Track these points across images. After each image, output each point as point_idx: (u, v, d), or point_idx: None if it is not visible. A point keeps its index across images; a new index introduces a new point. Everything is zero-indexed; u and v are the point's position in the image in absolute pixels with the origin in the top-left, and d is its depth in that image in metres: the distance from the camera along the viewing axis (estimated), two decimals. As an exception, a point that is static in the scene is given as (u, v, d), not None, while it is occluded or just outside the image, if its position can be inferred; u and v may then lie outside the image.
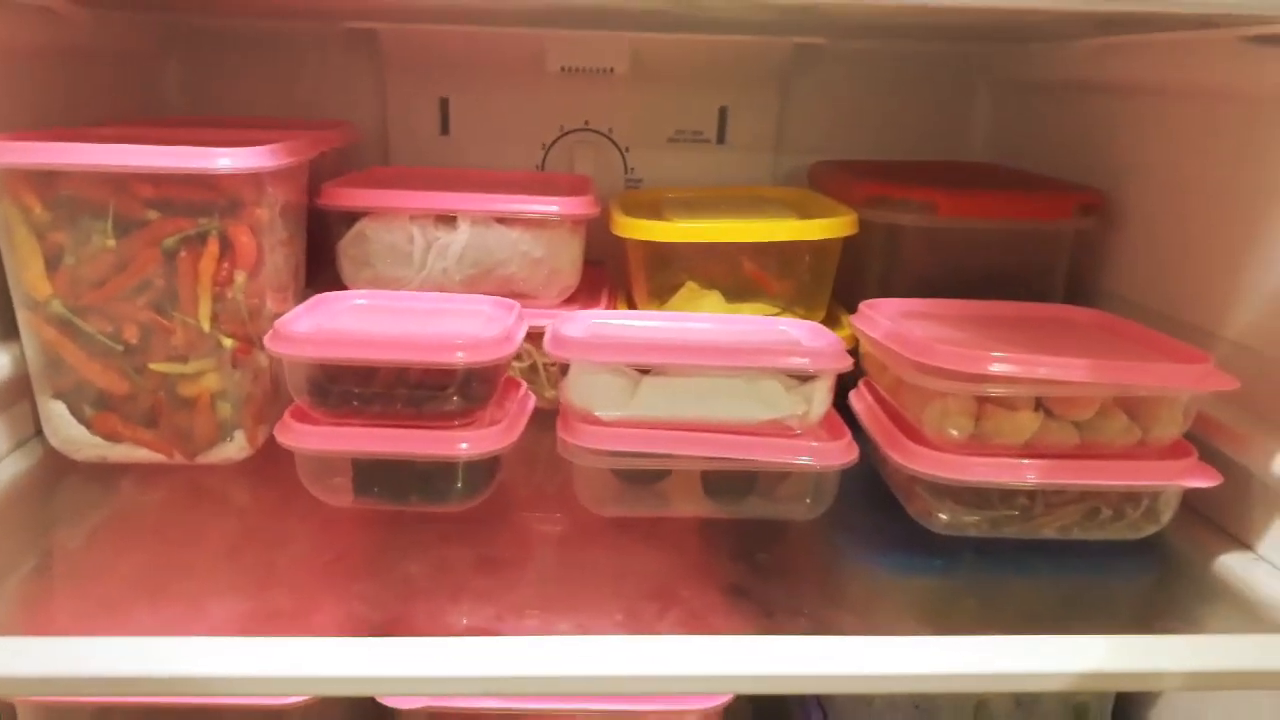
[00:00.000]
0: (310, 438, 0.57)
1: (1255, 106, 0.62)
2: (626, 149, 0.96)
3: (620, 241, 0.75)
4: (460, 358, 0.56)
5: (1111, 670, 0.45)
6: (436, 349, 0.57)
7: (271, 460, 0.68)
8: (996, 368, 0.54)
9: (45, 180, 0.59)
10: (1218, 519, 0.62)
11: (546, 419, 0.71)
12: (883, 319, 0.63)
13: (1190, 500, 0.59)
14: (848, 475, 0.59)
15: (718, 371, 0.57)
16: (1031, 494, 0.58)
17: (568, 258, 0.76)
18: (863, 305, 0.67)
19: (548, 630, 0.49)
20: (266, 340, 0.58)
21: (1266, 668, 0.46)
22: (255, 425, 0.66)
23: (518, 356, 0.76)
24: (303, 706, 0.61)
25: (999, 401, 0.56)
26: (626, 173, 0.96)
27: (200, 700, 0.59)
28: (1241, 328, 0.62)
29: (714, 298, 0.73)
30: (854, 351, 0.69)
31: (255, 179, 0.61)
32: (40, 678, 0.44)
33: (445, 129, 0.95)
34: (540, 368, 0.78)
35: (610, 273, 0.85)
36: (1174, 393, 0.55)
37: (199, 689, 0.45)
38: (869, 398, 0.66)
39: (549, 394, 0.78)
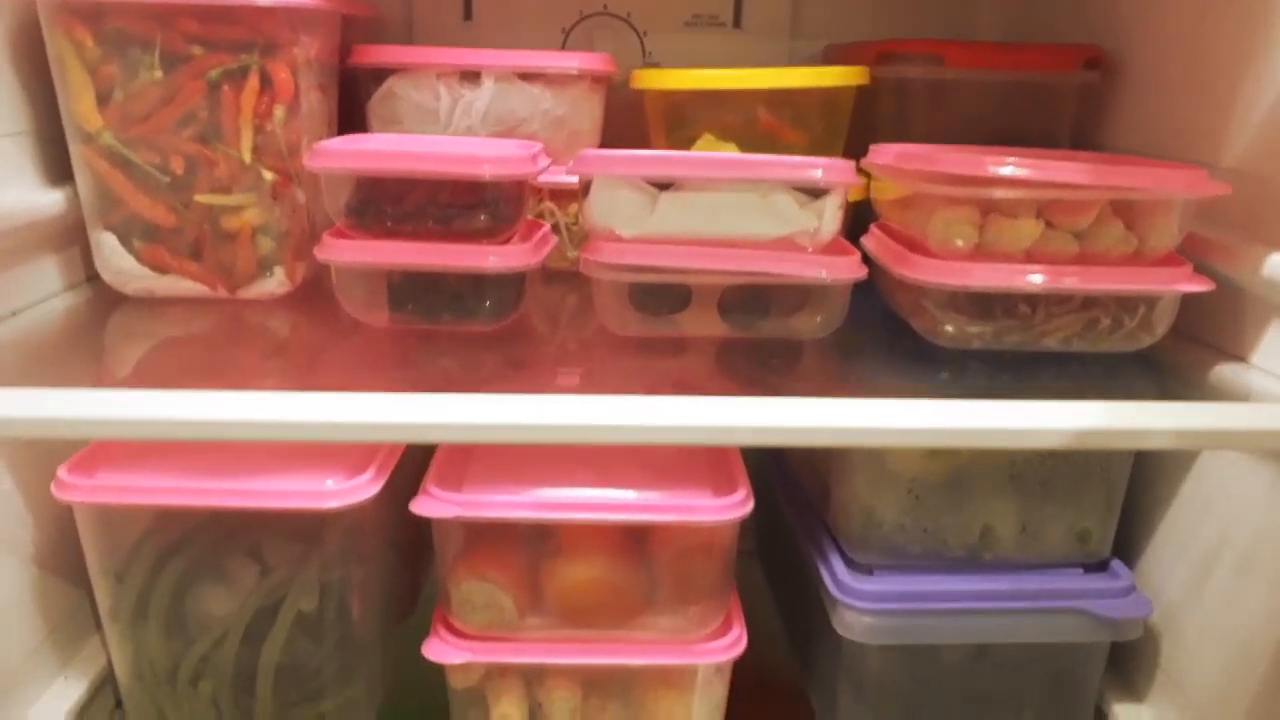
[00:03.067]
0: (348, 251, 0.61)
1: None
2: (644, 33, 0.98)
3: (639, 118, 0.78)
4: (487, 170, 0.59)
5: (1104, 427, 0.48)
6: (465, 161, 0.60)
7: (310, 298, 0.72)
8: (999, 170, 0.56)
9: (95, 15, 0.63)
10: (1212, 340, 0.65)
11: (569, 281, 0.74)
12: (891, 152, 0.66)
13: (1183, 325, 0.61)
14: (857, 308, 0.62)
15: (732, 184, 0.59)
16: (1033, 304, 0.60)
17: (588, 118, 0.79)
18: (872, 148, 0.70)
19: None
20: (306, 160, 0.61)
21: (1252, 427, 0.49)
22: (294, 262, 0.70)
23: (539, 215, 0.80)
24: (341, 511, 0.65)
25: (1001, 210, 0.58)
26: (644, 56, 0.99)
27: (248, 505, 0.63)
28: (1237, 154, 0.64)
29: (730, 150, 0.76)
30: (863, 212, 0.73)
31: (290, 21, 0.64)
32: (111, 420, 0.48)
33: (468, 14, 0.98)
34: (563, 228, 0.81)
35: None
36: (1169, 196, 0.58)
37: (245, 432, 0.49)
38: (878, 233, 0.69)
39: (571, 254, 0.81)
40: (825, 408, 0.50)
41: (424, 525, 0.69)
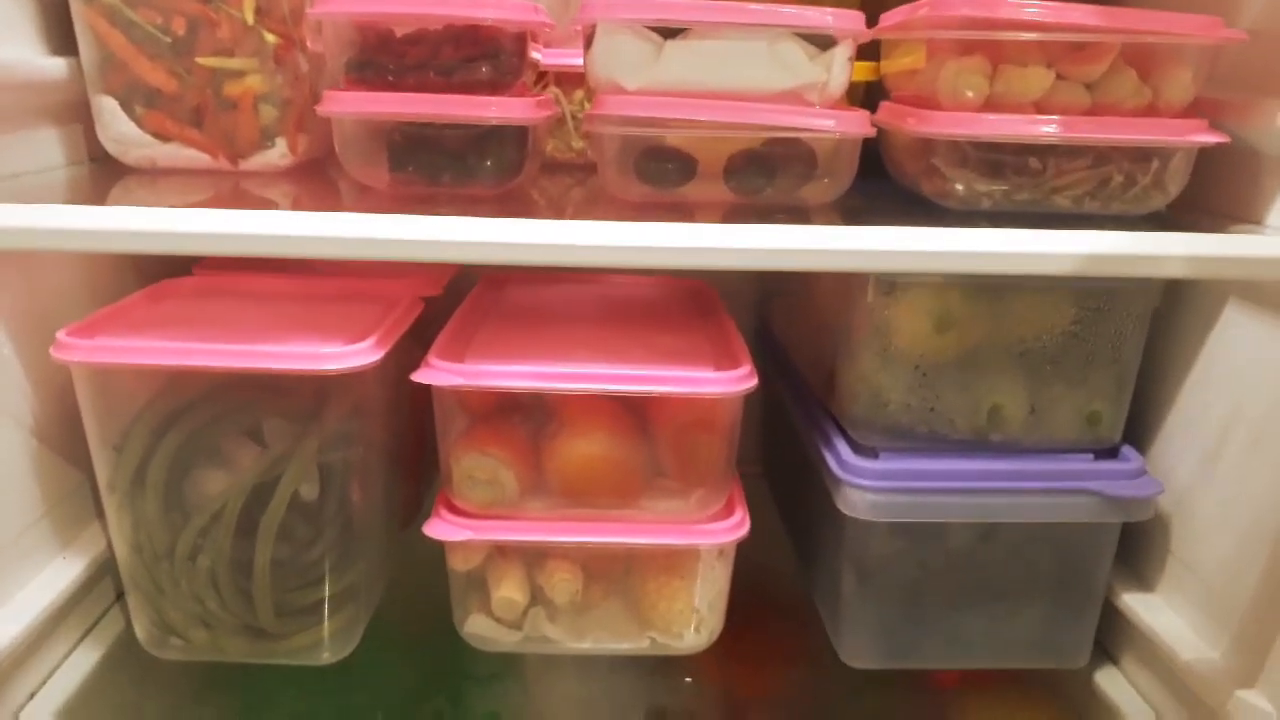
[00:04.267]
0: (350, 103, 0.60)
1: None
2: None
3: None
4: (489, 14, 0.58)
5: (1117, 252, 0.47)
6: (467, 4, 0.59)
7: (313, 173, 0.71)
8: (1009, 13, 0.55)
9: None
10: (1226, 209, 0.64)
11: (575, 174, 0.73)
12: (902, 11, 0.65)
13: (1196, 195, 0.60)
14: (865, 187, 0.61)
15: (739, 31, 0.59)
16: (1044, 159, 0.59)
17: None
18: (883, 16, 0.69)
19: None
20: (310, 9, 0.60)
21: (1267, 254, 0.48)
22: (296, 133, 0.69)
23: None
24: (341, 378, 0.64)
25: (1011, 59, 0.57)
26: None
27: (249, 366, 0.62)
28: (1253, 14, 0.63)
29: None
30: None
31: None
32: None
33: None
34: (568, 117, 0.80)
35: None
36: (1183, 41, 0.56)
37: (257, 246, 0.49)
38: (888, 106, 0.68)
39: (576, 144, 0.80)
40: (825, 233, 0.49)
41: (427, 430, 0.68)
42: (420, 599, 0.79)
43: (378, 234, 0.52)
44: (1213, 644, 0.63)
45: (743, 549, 0.71)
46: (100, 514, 0.74)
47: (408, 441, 0.84)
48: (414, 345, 0.74)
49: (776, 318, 0.93)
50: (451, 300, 0.76)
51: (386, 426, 0.74)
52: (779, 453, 0.93)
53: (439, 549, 0.71)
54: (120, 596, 0.78)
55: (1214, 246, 0.49)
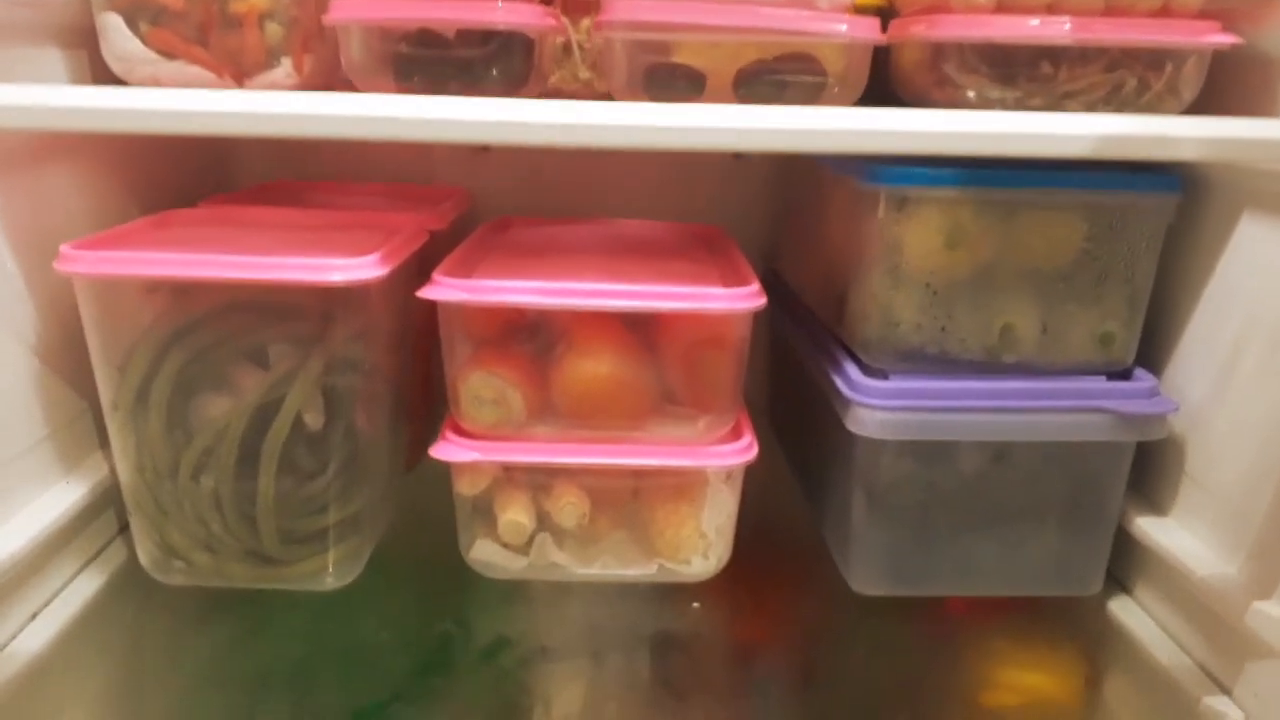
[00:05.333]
0: (358, 9, 0.60)
1: None
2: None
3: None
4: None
5: (1134, 134, 0.46)
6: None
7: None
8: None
9: None
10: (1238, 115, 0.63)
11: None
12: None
13: (1207, 104, 0.60)
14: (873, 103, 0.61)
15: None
16: (1056, 62, 0.59)
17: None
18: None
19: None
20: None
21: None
22: (301, 53, 0.68)
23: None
24: (347, 292, 0.64)
25: (1024, -41, 0.57)
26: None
27: (254, 277, 0.62)
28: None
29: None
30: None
31: None
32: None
33: None
34: (575, 48, 0.79)
35: None
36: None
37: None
38: (897, 24, 0.67)
39: (583, 75, 0.80)
40: (843, 113, 0.49)
41: (434, 373, 0.68)
42: (426, 533, 0.78)
43: (396, 113, 0.51)
44: (1228, 560, 0.63)
45: (750, 491, 0.70)
46: (104, 444, 0.73)
47: (414, 377, 0.83)
48: (419, 278, 0.73)
49: (785, 259, 0.92)
50: (458, 241, 0.76)
51: (392, 355, 0.74)
52: (786, 395, 0.93)
53: (445, 487, 0.70)
54: (124, 529, 0.77)
55: (1232, 129, 0.48)
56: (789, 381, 0.90)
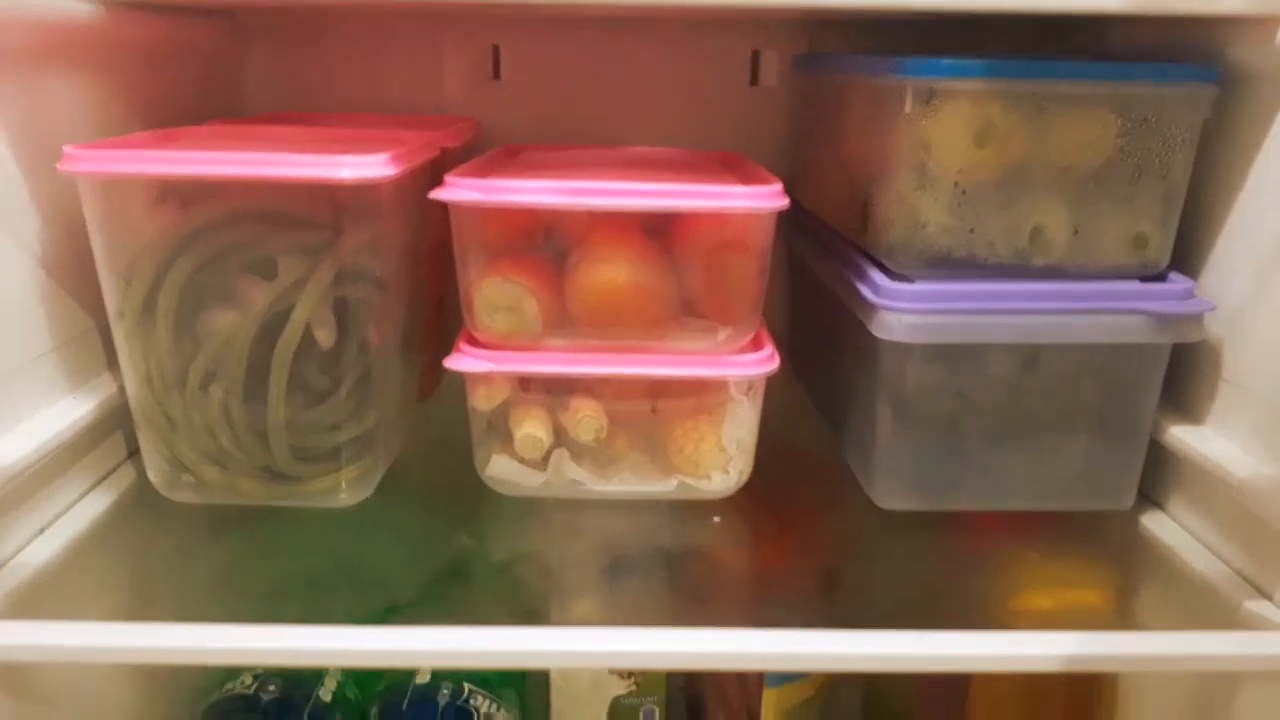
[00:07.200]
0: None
1: None
2: None
3: None
4: None
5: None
6: None
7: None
8: None
9: None
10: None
11: None
12: None
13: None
14: None
15: None
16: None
17: None
18: None
19: None
20: None
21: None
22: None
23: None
24: (357, 191, 0.62)
25: None
26: None
27: (260, 174, 0.60)
28: None
29: None
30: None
31: None
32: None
33: None
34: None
35: None
36: None
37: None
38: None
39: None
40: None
41: (446, 302, 0.66)
42: (440, 457, 0.77)
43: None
44: (1269, 461, 0.61)
45: (769, 419, 0.69)
46: (110, 365, 0.72)
47: (426, 303, 0.82)
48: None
49: (804, 185, 0.90)
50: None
51: (405, 271, 0.72)
52: (805, 327, 0.91)
53: (458, 417, 0.69)
54: (133, 454, 0.76)
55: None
56: (808, 312, 0.88)
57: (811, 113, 0.90)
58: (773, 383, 0.68)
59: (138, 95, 0.77)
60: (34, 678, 0.62)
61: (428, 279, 0.80)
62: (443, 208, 0.64)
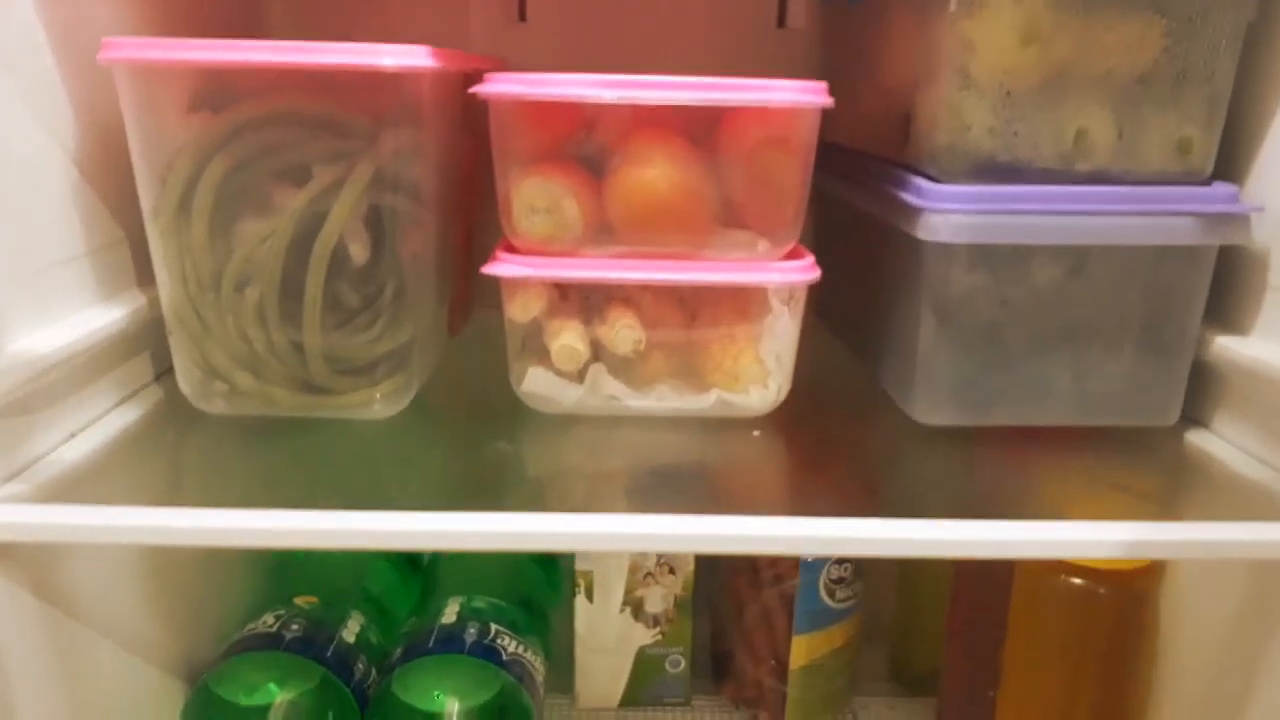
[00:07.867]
0: None
1: None
2: None
3: None
4: None
5: None
6: None
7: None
8: None
9: None
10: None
11: None
12: None
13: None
14: None
15: None
16: None
17: None
18: None
19: None
20: None
21: None
22: None
23: None
24: (398, 82, 0.61)
25: None
26: None
27: (300, 61, 0.59)
28: None
29: None
30: None
31: None
32: None
33: None
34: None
35: None
36: None
37: None
38: None
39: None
40: None
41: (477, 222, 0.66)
42: (474, 378, 0.76)
43: None
44: (1322, 361, 0.60)
45: (799, 359, 0.69)
46: (141, 281, 0.71)
47: (458, 228, 0.81)
48: (463, 129, 0.72)
49: (835, 125, 0.89)
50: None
51: (439, 186, 0.71)
52: (834, 268, 0.90)
53: (489, 349, 0.69)
54: (159, 376, 0.75)
55: None
56: (837, 253, 0.87)
57: (843, 46, 0.90)
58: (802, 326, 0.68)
59: (167, 13, 0.77)
60: (66, 590, 0.61)
61: (460, 207, 0.80)
62: (476, 138, 0.63)
